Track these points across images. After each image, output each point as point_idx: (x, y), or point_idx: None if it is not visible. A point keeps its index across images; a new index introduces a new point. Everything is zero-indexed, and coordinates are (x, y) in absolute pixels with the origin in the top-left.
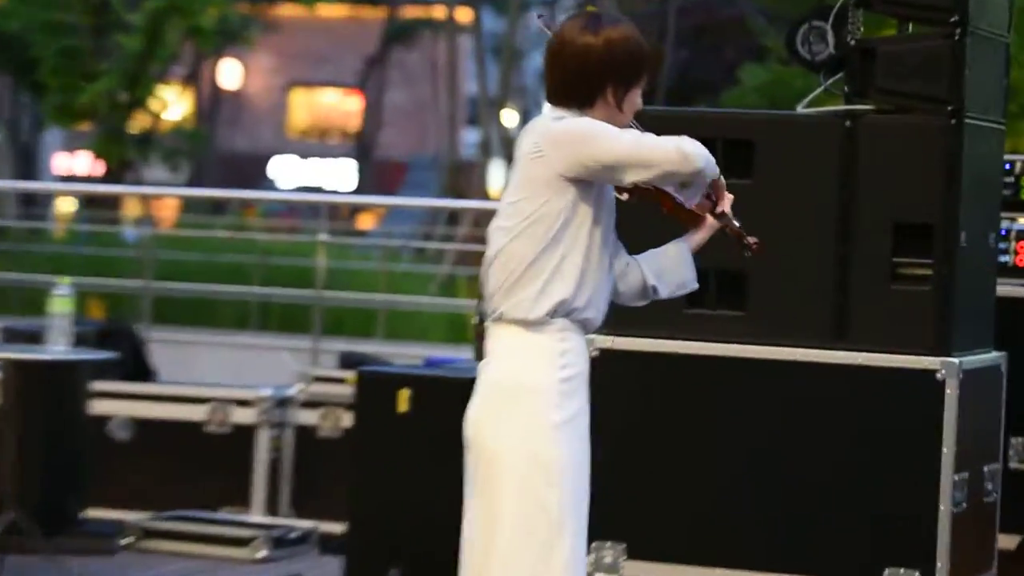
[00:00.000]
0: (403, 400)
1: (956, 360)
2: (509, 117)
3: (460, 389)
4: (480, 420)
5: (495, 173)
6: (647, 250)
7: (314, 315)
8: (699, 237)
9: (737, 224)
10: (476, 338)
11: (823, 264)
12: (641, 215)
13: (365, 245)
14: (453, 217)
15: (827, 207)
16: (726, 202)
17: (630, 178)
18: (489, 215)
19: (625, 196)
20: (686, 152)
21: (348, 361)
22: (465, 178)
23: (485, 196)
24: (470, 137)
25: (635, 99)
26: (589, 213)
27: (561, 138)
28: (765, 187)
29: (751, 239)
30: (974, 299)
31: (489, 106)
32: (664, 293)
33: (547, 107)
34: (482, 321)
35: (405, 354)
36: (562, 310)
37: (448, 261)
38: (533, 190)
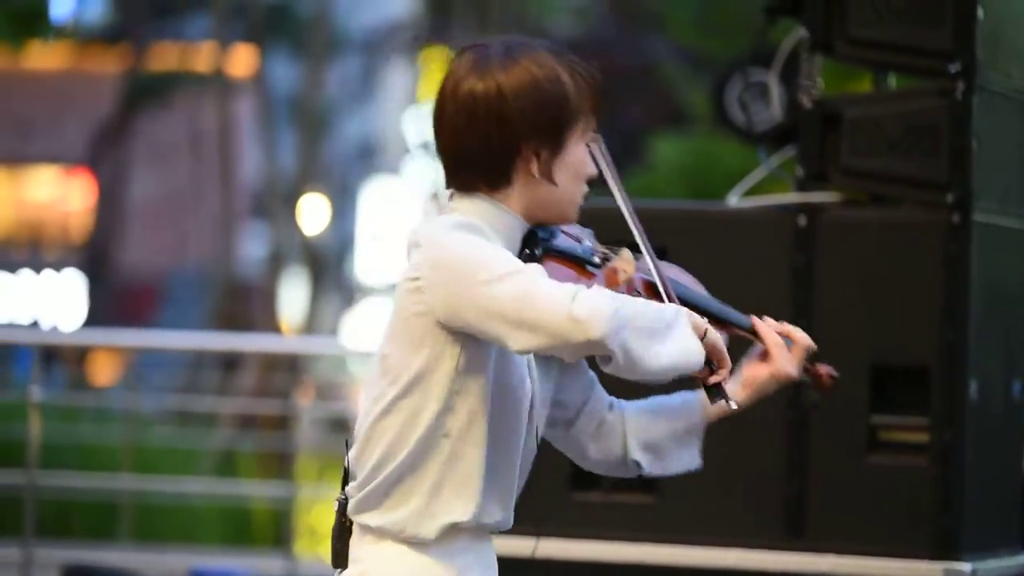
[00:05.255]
0: None
1: (967, 568)
2: (312, 210)
3: None
4: None
5: (292, 293)
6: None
7: (25, 508)
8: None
9: (735, 406)
10: (339, 532)
11: (769, 428)
12: None
13: (100, 407)
14: (230, 362)
15: None
16: (724, 370)
17: (515, 344)
18: (283, 359)
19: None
20: (578, 317)
21: None
22: (245, 303)
23: (277, 329)
24: (253, 243)
25: (575, 157)
26: (487, 376)
27: (441, 263)
28: None
29: (824, 369)
30: (992, 478)
31: (282, 196)
32: (650, 471)
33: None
34: (343, 510)
35: (161, 564)
36: (460, 527)
37: (224, 426)
38: (405, 339)
